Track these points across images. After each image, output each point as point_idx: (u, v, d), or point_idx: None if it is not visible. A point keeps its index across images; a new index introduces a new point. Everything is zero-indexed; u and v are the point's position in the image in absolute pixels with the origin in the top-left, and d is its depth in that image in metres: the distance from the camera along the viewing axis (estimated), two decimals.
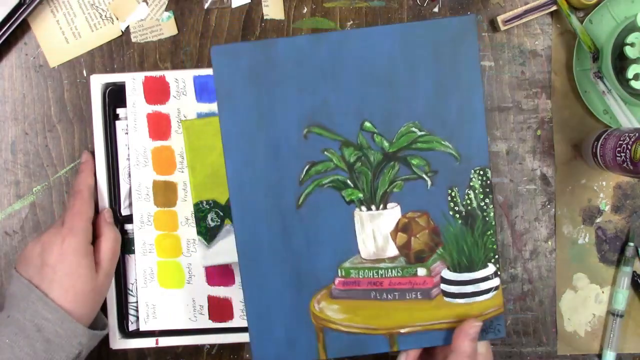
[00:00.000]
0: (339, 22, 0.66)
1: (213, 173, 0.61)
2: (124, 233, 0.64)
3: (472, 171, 0.53)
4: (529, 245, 0.67)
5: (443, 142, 0.52)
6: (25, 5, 0.61)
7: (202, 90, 0.62)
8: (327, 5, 0.65)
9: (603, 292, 0.67)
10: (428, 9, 0.66)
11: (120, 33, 0.65)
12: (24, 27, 0.64)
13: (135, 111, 0.62)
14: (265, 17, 0.65)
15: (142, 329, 0.64)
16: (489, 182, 0.53)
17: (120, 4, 0.64)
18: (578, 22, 0.64)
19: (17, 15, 0.61)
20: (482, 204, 0.53)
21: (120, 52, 0.65)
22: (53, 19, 0.64)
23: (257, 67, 0.52)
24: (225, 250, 0.61)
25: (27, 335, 0.52)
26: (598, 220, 0.67)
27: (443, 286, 0.54)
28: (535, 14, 0.65)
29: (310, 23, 0.66)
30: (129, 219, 0.64)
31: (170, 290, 0.64)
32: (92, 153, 0.63)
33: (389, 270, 0.53)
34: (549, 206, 0.67)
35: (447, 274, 0.54)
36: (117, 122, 0.63)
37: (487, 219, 0.53)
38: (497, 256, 0.53)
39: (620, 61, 0.63)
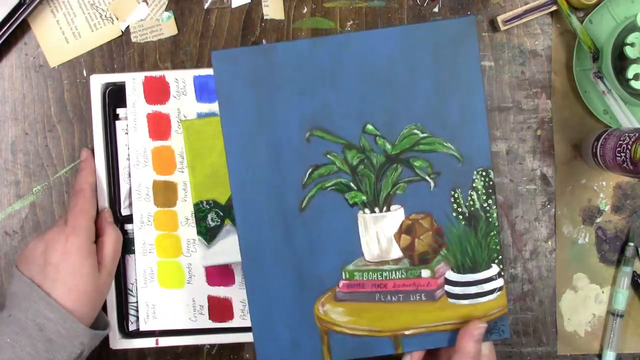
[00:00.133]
0: (339, 22, 0.66)
1: (213, 173, 0.61)
2: (124, 233, 0.64)
3: (475, 172, 0.53)
4: (529, 245, 0.67)
5: (445, 144, 0.53)
6: (25, 5, 0.61)
7: (202, 90, 0.62)
8: (327, 5, 0.65)
9: (603, 292, 0.67)
10: (428, 9, 0.66)
11: (120, 33, 0.65)
12: (24, 27, 0.64)
13: (135, 111, 0.62)
14: (265, 17, 0.65)
15: (142, 329, 0.64)
16: (491, 182, 0.53)
17: (120, 4, 0.64)
18: (578, 22, 0.64)
19: (17, 15, 0.61)
20: (485, 204, 0.53)
21: (120, 52, 0.65)
22: (53, 19, 0.64)
23: (258, 71, 0.52)
24: (225, 250, 0.61)
25: (29, 335, 0.52)
26: (598, 220, 0.67)
27: (447, 287, 0.54)
28: (535, 14, 0.65)
29: (310, 23, 0.66)
30: (129, 219, 0.64)
31: (170, 290, 0.64)
32: (92, 152, 0.63)
33: (393, 272, 0.54)
34: (549, 206, 0.67)
35: (451, 275, 0.54)
36: (117, 122, 0.63)
37: (490, 219, 0.53)
38: (500, 257, 0.53)
39: (620, 61, 0.63)
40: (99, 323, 0.60)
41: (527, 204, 0.67)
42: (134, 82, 0.62)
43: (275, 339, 0.53)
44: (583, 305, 0.67)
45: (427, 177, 0.53)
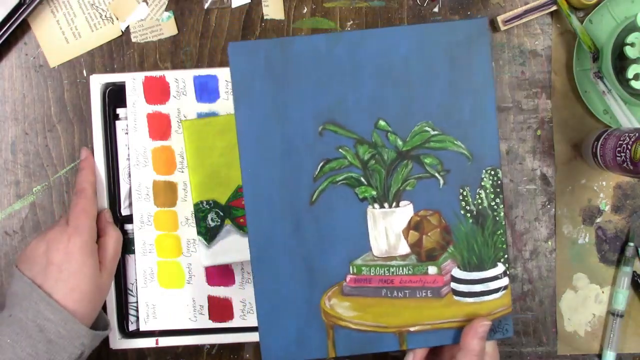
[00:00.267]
0: (339, 22, 0.66)
1: (213, 173, 0.61)
2: (124, 233, 0.64)
3: (484, 171, 0.53)
4: (529, 245, 0.67)
5: (456, 142, 0.53)
6: (25, 5, 0.61)
7: (202, 90, 0.62)
8: (327, 5, 0.65)
9: (603, 292, 0.67)
10: (428, 9, 0.66)
11: (120, 33, 0.65)
12: (24, 27, 0.64)
13: (135, 111, 0.62)
14: (265, 17, 0.65)
15: (142, 329, 0.64)
16: (499, 182, 0.53)
17: (120, 4, 0.64)
18: (578, 22, 0.64)
19: (17, 15, 0.61)
20: (493, 203, 0.53)
21: (120, 52, 0.65)
22: (53, 19, 0.64)
23: (274, 64, 0.52)
24: (225, 250, 0.61)
25: (29, 336, 0.52)
26: (598, 220, 0.67)
27: (453, 285, 0.54)
28: (535, 14, 0.65)
29: (310, 23, 0.66)
30: (129, 219, 0.64)
31: (170, 290, 0.64)
32: (92, 152, 0.63)
33: (400, 268, 0.54)
34: (549, 206, 0.67)
35: (458, 273, 0.54)
36: (117, 122, 0.63)
37: (498, 218, 0.53)
38: (506, 256, 0.54)
39: (620, 61, 0.63)
40: (99, 323, 0.60)
41: (527, 204, 0.67)
42: (134, 82, 0.62)
43: (281, 332, 0.53)
44: (583, 305, 0.67)
45: (436, 174, 0.53)
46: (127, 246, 0.64)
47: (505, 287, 0.54)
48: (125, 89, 0.62)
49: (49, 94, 0.65)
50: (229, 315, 0.64)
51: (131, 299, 0.65)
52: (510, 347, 0.67)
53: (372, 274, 0.54)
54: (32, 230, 0.66)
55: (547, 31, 0.66)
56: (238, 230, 0.61)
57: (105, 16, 0.65)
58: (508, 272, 0.54)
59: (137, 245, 0.63)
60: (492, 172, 0.53)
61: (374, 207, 0.53)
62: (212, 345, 0.66)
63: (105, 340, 0.63)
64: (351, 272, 0.54)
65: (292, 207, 0.53)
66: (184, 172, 0.63)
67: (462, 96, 0.53)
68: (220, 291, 0.64)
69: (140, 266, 0.64)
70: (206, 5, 0.65)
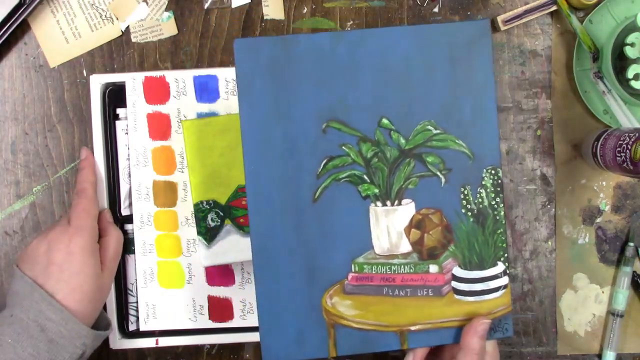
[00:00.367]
0: (339, 22, 0.66)
1: (213, 173, 0.61)
2: (124, 233, 0.63)
3: (484, 170, 0.53)
4: (529, 245, 0.67)
5: (457, 141, 0.53)
6: (25, 5, 0.61)
7: (202, 90, 0.62)
8: (327, 5, 0.65)
9: (603, 292, 0.67)
10: (428, 9, 0.66)
11: (120, 33, 0.65)
12: (24, 27, 0.64)
13: (135, 111, 0.62)
14: (265, 17, 0.65)
15: (142, 329, 0.64)
16: (499, 181, 0.54)
17: (120, 4, 0.64)
18: (578, 22, 0.64)
19: (17, 15, 0.61)
20: (493, 202, 0.54)
21: (120, 52, 0.65)
22: (53, 19, 0.64)
23: (277, 61, 0.53)
24: (225, 250, 0.61)
25: (31, 335, 0.52)
26: (598, 220, 0.67)
27: (454, 283, 0.54)
28: (535, 14, 0.65)
29: (310, 23, 0.66)
30: (129, 219, 0.64)
31: (170, 290, 0.64)
32: (92, 151, 0.63)
33: (402, 267, 0.54)
34: (549, 206, 0.67)
35: (458, 272, 0.54)
36: (117, 122, 0.63)
37: (498, 217, 0.54)
38: (506, 255, 0.54)
39: (620, 61, 0.63)
40: (100, 323, 0.60)
41: (527, 204, 0.67)
42: (134, 82, 0.62)
43: (281, 331, 0.53)
44: (583, 305, 0.67)
45: (438, 173, 0.53)
46: (127, 246, 0.64)
47: (505, 286, 0.54)
48: (125, 89, 0.62)
49: (49, 94, 0.65)
50: (229, 315, 0.64)
51: (131, 299, 0.65)
52: (510, 347, 0.67)
53: (373, 272, 0.54)
54: (32, 230, 0.66)
55: (547, 31, 0.66)
56: (238, 231, 0.61)
57: (105, 16, 0.65)
58: (508, 271, 0.54)
59: (137, 245, 0.63)
60: (493, 172, 0.53)
61: (376, 205, 0.53)
62: (212, 345, 0.66)
63: (105, 340, 0.63)
64: (353, 270, 0.54)
65: (294, 204, 0.53)
66: (184, 172, 0.63)
67: (464, 96, 0.53)
68: (220, 291, 0.64)
69: (140, 266, 0.64)
70: (206, 5, 0.65)
